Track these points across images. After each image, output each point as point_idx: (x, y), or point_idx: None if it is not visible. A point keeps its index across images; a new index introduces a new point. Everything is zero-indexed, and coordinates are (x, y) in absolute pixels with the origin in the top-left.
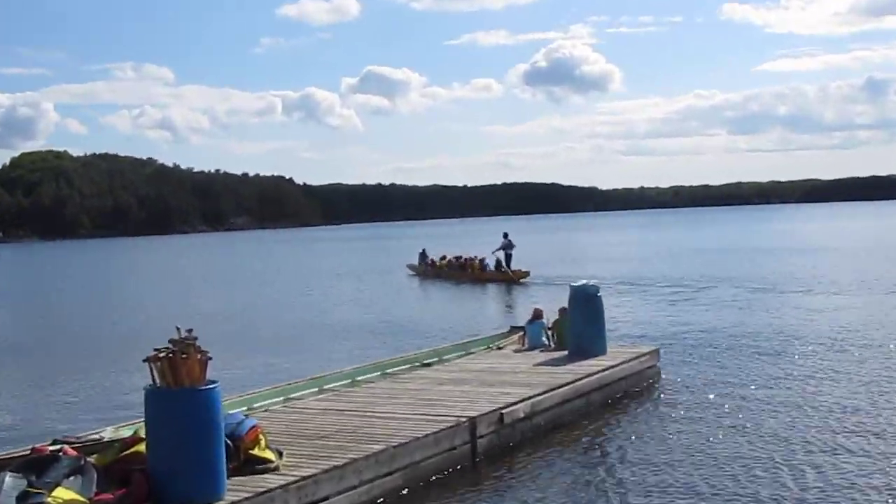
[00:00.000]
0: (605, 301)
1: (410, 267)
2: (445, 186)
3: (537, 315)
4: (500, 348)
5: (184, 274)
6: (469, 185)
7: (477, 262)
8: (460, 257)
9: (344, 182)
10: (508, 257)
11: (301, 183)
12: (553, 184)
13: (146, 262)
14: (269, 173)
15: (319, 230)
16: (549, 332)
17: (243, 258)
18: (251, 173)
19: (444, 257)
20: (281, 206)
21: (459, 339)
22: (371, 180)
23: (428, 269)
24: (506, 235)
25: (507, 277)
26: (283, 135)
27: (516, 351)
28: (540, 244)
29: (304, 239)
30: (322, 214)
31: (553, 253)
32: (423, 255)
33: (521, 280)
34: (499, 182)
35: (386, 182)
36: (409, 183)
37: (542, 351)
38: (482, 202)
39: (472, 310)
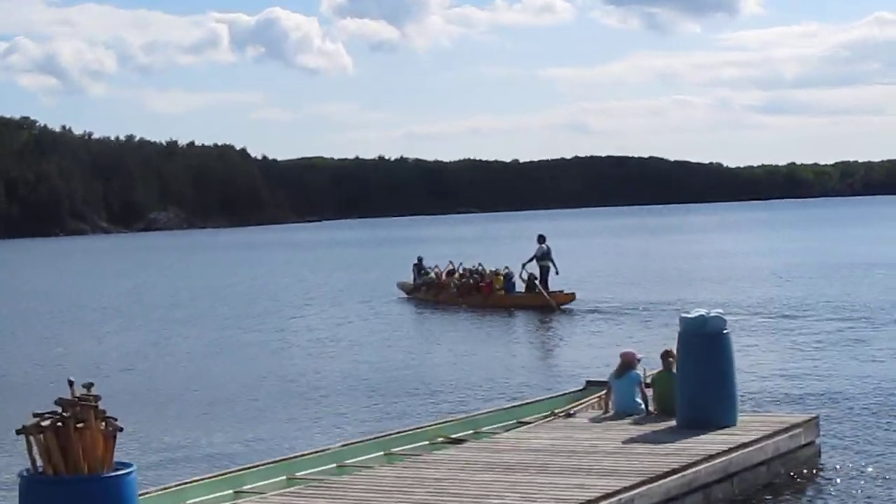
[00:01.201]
0: (734, 342)
1: (401, 286)
2: (483, 163)
3: (628, 363)
4: (569, 415)
5: (74, 297)
6: (521, 159)
7: (501, 276)
8: (474, 270)
9: (326, 156)
10: (544, 272)
11: (259, 157)
12: (652, 158)
13: (9, 279)
14: (208, 142)
15: (287, 230)
16: (646, 391)
17: (164, 275)
18: (181, 142)
19: (451, 270)
20: (228, 193)
21: (500, 399)
22: (368, 153)
23: (425, 289)
24: (542, 239)
25: (543, 301)
26: (231, 82)
27: (595, 420)
28: (618, 253)
29: (262, 244)
30: (291, 206)
31: (636, 265)
32: (418, 266)
33: (563, 306)
34: (567, 156)
35: (391, 156)
36: (428, 157)
37: (635, 420)
38: (540, 186)
39: (509, 353)
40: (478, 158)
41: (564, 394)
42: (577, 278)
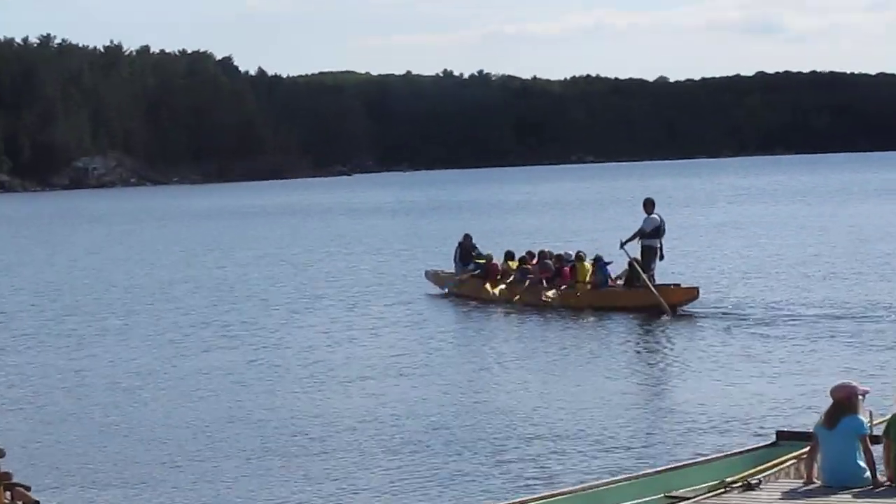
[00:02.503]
0: None
1: (432, 277)
2: (607, 83)
3: (845, 404)
4: (750, 486)
5: None
6: (669, 77)
7: (586, 263)
8: (551, 255)
9: (358, 70)
10: (648, 255)
11: (252, 71)
12: (882, 77)
13: None
14: (171, 47)
15: (295, 188)
16: (871, 448)
17: (92, 263)
18: (128, 46)
19: (528, 255)
20: (203, 129)
21: (632, 459)
22: (424, 66)
23: (471, 280)
24: (649, 206)
25: (650, 300)
26: None
27: (793, 495)
28: (801, 227)
29: (252, 212)
30: (303, 150)
31: (816, 247)
32: (463, 249)
33: (681, 307)
34: (745, 71)
35: (462, 70)
36: (521, 73)
37: (856, 494)
38: (697, 121)
39: (631, 384)
40: (598, 75)
41: (741, 452)
42: (707, 266)
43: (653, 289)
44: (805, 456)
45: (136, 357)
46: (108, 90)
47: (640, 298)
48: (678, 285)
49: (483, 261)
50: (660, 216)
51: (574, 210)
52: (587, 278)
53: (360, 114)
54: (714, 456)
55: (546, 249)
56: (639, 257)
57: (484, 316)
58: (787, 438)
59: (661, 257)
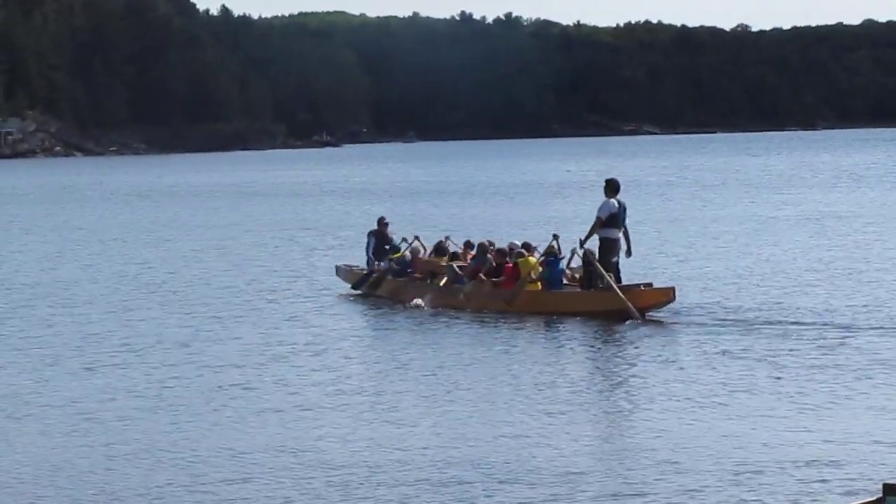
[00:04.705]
0: None
1: (343, 272)
2: (677, 31)
3: None
4: None
5: None
6: (752, 26)
7: (533, 259)
8: (492, 244)
9: (352, 11)
10: (607, 248)
11: (214, 10)
12: None
13: None
14: None
15: (259, 160)
16: None
17: None
18: None
19: (467, 245)
20: (146, 84)
21: None
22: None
23: (383, 278)
24: (613, 189)
25: (615, 304)
26: None
27: None
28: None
29: (208, 190)
30: (274, 113)
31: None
32: (376, 239)
33: (650, 313)
34: (849, 19)
35: (484, 14)
36: (561, 17)
37: None
38: (786, 84)
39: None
40: (660, 21)
41: None
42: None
43: (613, 284)
44: None
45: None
46: (26, 34)
47: (602, 301)
48: (649, 285)
49: (398, 255)
50: (619, 201)
51: (632, 194)
52: (532, 274)
53: (353, 67)
54: None
55: (486, 241)
56: (594, 250)
57: (406, 325)
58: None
59: (629, 252)
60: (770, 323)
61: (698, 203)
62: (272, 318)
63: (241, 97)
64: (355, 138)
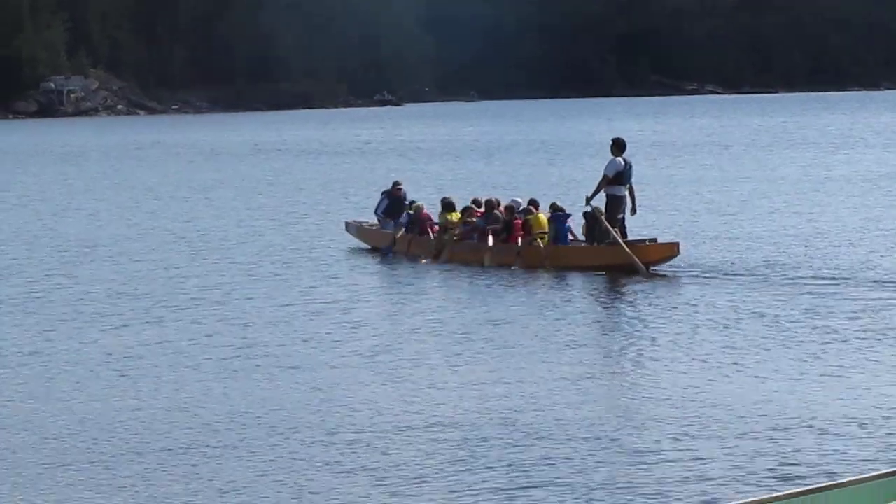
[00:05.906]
0: None
1: (354, 229)
2: None
3: None
4: None
5: None
6: None
7: (541, 214)
8: (498, 203)
9: None
10: (614, 204)
11: None
12: None
13: None
14: None
15: (322, 118)
16: None
17: None
18: None
19: (474, 203)
20: (208, 42)
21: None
22: None
23: (406, 237)
24: (620, 147)
25: (620, 257)
26: None
27: None
28: None
29: (257, 150)
30: (336, 71)
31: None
32: (389, 199)
33: (654, 267)
34: None
35: None
36: None
37: None
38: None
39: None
40: None
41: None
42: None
43: (619, 239)
44: None
45: (48, 329)
46: None
47: (609, 255)
48: (654, 240)
49: (413, 212)
50: (626, 159)
51: (690, 154)
52: (541, 231)
53: (415, 26)
54: (862, 476)
55: (494, 198)
56: (602, 206)
57: (426, 279)
58: None
59: (633, 210)
60: (815, 279)
61: (751, 164)
62: (309, 277)
63: (304, 57)
64: (417, 97)
